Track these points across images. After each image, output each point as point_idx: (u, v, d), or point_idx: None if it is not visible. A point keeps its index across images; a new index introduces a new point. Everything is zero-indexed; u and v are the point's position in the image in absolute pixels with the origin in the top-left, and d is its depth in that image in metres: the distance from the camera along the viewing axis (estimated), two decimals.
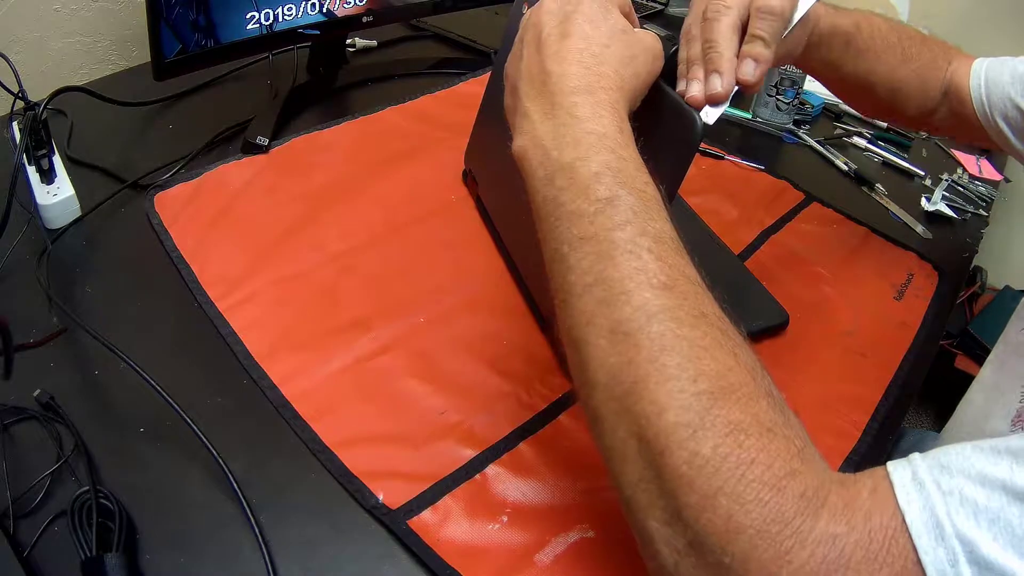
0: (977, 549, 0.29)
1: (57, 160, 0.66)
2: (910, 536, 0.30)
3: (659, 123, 0.47)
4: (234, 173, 0.73)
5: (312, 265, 0.63)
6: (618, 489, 0.35)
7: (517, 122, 0.41)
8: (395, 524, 0.45)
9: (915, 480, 0.31)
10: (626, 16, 0.46)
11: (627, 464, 0.34)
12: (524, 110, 0.41)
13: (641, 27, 0.47)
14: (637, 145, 0.40)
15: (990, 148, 0.74)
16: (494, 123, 0.64)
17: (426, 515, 0.46)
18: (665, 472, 0.32)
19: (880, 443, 0.57)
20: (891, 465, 0.32)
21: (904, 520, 0.30)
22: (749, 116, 1.00)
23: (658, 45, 0.45)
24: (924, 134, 1.04)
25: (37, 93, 0.65)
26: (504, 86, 0.45)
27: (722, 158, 0.89)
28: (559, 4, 0.43)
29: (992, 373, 0.63)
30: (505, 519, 0.46)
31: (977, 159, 1.00)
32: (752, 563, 0.30)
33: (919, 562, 0.29)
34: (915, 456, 0.33)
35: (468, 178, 0.74)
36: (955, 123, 0.67)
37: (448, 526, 0.46)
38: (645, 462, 0.33)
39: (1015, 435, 0.31)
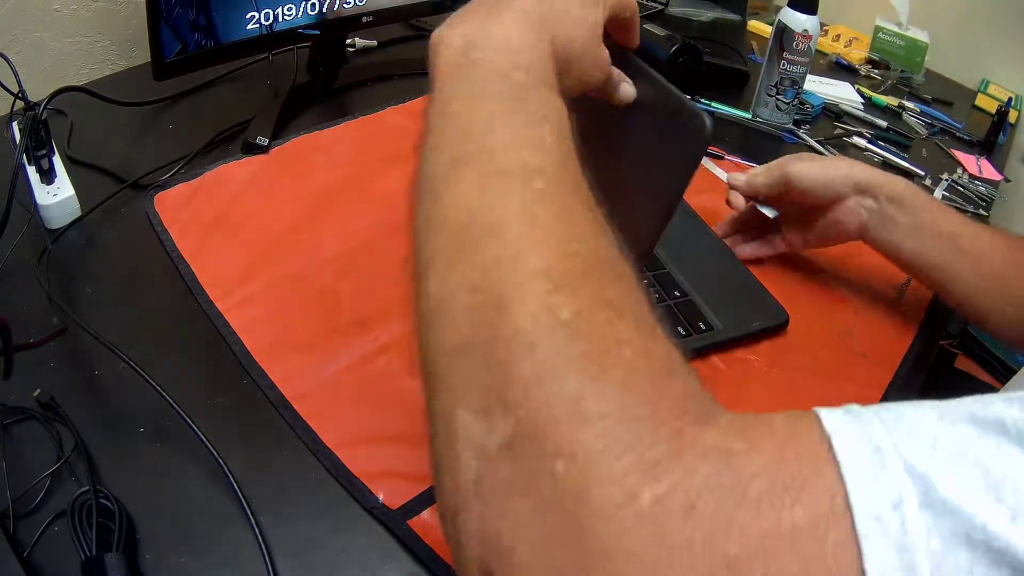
0: (933, 487, 0.20)
1: (57, 160, 0.66)
2: (837, 464, 0.20)
3: (662, 125, 0.46)
4: (234, 173, 0.73)
5: (312, 265, 0.63)
6: (424, 362, 0.26)
7: (455, 19, 0.36)
8: (395, 524, 0.45)
9: (847, 411, 0.23)
10: None
11: (449, 324, 0.25)
12: (469, 10, 0.36)
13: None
14: (641, 146, 0.40)
15: None
16: None
17: (426, 515, 0.46)
18: (502, 330, 0.23)
19: None
20: (817, 408, 0.23)
21: (831, 445, 0.21)
22: (749, 116, 1.00)
23: (607, 65, 0.41)
24: (924, 133, 1.04)
25: (37, 93, 0.65)
26: None
27: (722, 158, 0.89)
28: None
29: None
30: None
31: (977, 159, 1.00)
32: (597, 470, 0.20)
33: (846, 499, 0.20)
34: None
35: None
36: None
37: None
38: (477, 319, 0.24)
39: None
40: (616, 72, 0.44)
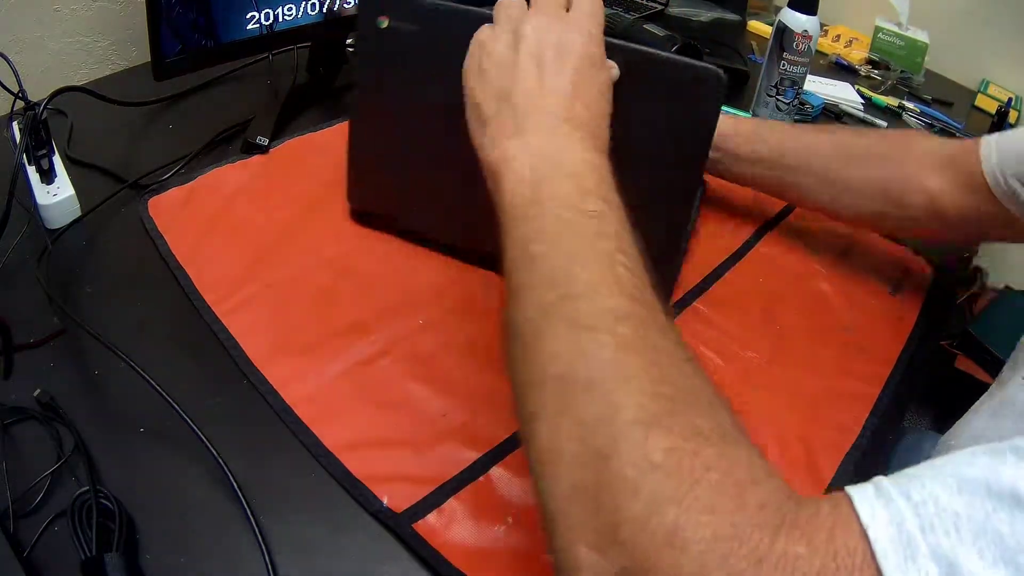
0: (957, 569, 0.23)
1: (57, 160, 0.66)
2: (874, 558, 0.24)
3: (670, 94, 0.50)
4: (229, 176, 0.73)
5: (309, 268, 0.63)
6: (542, 507, 0.30)
7: (501, 130, 0.41)
8: (401, 528, 0.45)
9: (879, 493, 0.26)
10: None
11: (561, 474, 0.29)
12: (519, 124, 0.41)
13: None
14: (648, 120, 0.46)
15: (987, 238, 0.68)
16: (403, 151, 0.63)
17: (431, 518, 0.46)
18: (607, 478, 0.28)
19: (880, 440, 0.57)
20: (851, 487, 0.27)
21: (868, 538, 0.25)
22: (749, 116, 1.00)
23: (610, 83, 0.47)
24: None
25: (37, 93, 0.64)
26: (471, 85, 0.45)
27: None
28: (560, 27, 0.44)
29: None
30: (511, 520, 0.46)
31: None
32: None
33: None
34: (877, 477, 0.28)
35: (369, 220, 0.68)
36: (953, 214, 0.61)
37: (454, 529, 0.46)
38: (585, 468, 0.28)
39: (1007, 441, 0.27)
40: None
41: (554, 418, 0.30)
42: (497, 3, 0.47)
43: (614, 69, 0.48)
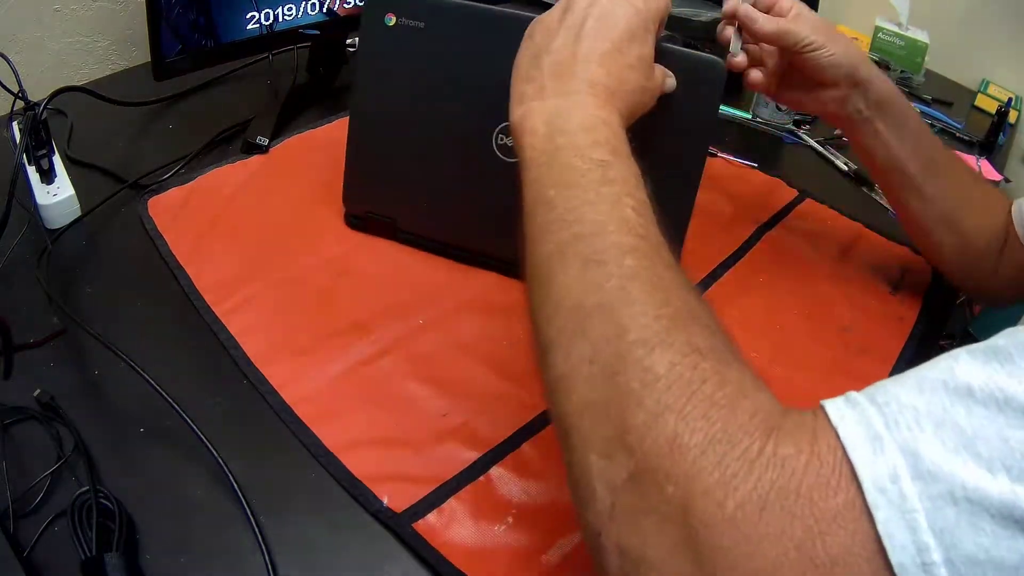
0: (920, 459, 0.25)
1: (57, 160, 0.66)
2: (847, 453, 0.27)
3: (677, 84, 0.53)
4: (229, 176, 0.73)
5: (309, 268, 0.63)
6: (556, 422, 0.34)
7: (529, 90, 0.44)
8: (401, 527, 0.45)
9: (847, 400, 0.29)
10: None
11: (574, 391, 0.32)
12: (542, 84, 0.43)
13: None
14: (651, 111, 0.47)
15: None
16: (407, 155, 0.63)
17: (431, 518, 0.46)
18: (614, 393, 0.31)
19: None
20: (825, 400, 0.30)
21: (840, 437, 0.27)
22: (749, 116, 1.00)
23: (659, 88, 0.49)
24: None
25: (37, 93, 0.64)
26: (523, 45, 0.47)
27: (715, 155, 0.89)
28: (611, 3, 0.46)
29: None
30: (511, 520, 0.46)
31: (977, 159, 1.00)
32: (696, 488, 0.27)
33: (856, 478, 0.26)
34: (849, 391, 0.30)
35: (364, 223, 0.67)
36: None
37: (454, 528, 0.46)
38: (594, 385, 0.31)
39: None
40: (659, 73, 0.50)
41: (567, 344, 0.33)
42: None
43: (670, 79, 0.51)
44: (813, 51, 0.58)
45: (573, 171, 0.38)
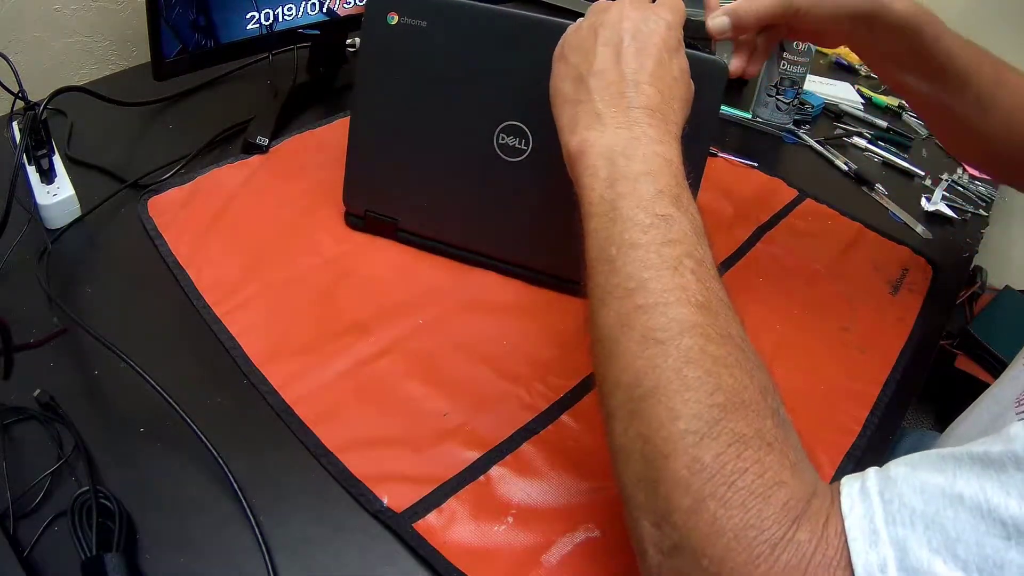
0: (908, 554, 0.29)
1: (57, 160, 0.66)
2: (847, 543, 0.31)
3: None
4: (228, 176, 0.73)
5: (309, 268, 0.63)
6: (619, 486, 0.37)
7: (582, 116, 0.44)
8: (401, 527, 0.45)
9: (862, 490, 0.32)
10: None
11: (631, 463, 0.36)
12: (596, 110, 0.44)
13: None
14: None
15: None
16: (399, 151, 0.63)
17: (431, 518, 0.46)
18: (665, 475, 0.34)
19: (880, 440, 0.57)
20: (846, 478, 0.34)
21: (845, 527, 0.31)
22: (749, 116, 1.00)
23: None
24: (924, 134, 1.04)
25: (37, 93, 0.64)
26: (554, 69, 0.48)
27: (715, 155, 0.89)
28: (639, 15, 0.46)
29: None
30: (511, 520, 0.46)
31: None
32: (726, 567, 0.31)
33: (850, 566, 0.30)
34: (870, 470, 0.34)
35: (364, 223, 0.67)
36: None
37: (454, 528, 0.46)
38: (648, 463, 0.34)
39: (970, 444, 0.32)
40: None
41: (626, 420, 0.36)
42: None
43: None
44: (805, 13, 0.54)
45: (636, 227, 0.39)
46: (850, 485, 0.33)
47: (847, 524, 0.31)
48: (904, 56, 0.57)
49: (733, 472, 0.32)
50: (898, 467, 0.33)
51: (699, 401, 0.34)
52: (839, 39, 0.58)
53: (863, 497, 0.32)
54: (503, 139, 0.60)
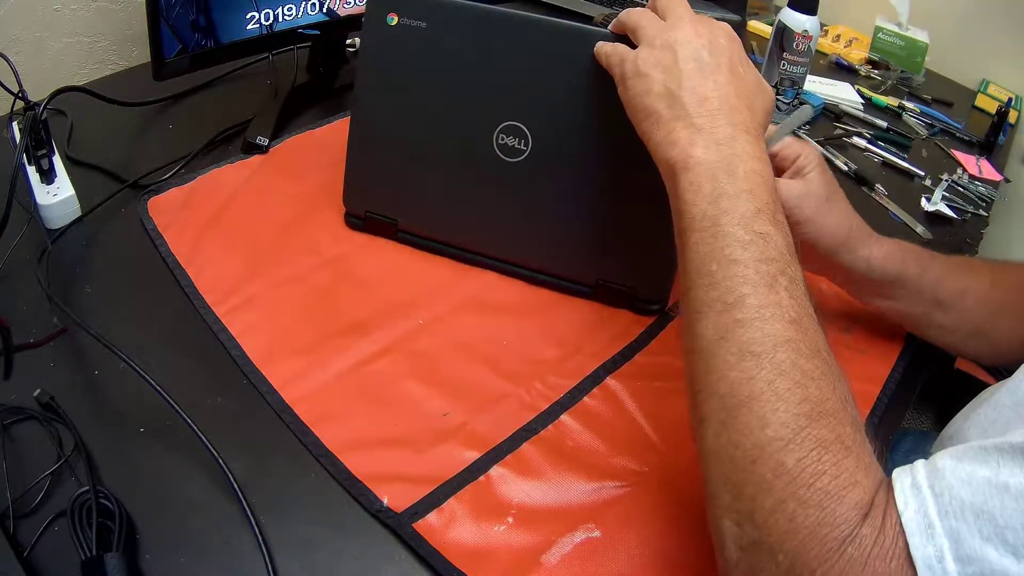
0: (962, 544, 0.31)
1: (57, 160, 0.66)
2: (904, 535, 0.33)
3: None
4: (228, 176, 0.73)
5: (309, 268, 0.63)
6: (705, 485, 0.39)
7: (681, 132, 0.45)
8: (401, 527, 0.45)
9: (913, 486, 0.35)
10: None
11: (720, 466, 0.38)
12: (696, 125, 0.45)
13: None
14: None
15: None
16: (401, 152, 0.63)
17: (431, 518, 0.46)
18: (752, 477, 0.36)
19: (881, 439, 0.57)
20: (896, 471, 0.36)
21: (902, 521, 0.33)
22: None
23: None
24: (924, 134, 1.04)
25: (37, 93, 0.65)
26: (630, 85, 0.48)
27: None
28: (708, 31, 0.48)
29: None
30: (511, 520, 0.46)
31: (977, 159, 1.00)
32: (799, 561, 0.34)
33: (910, 558, 0.32)
34: (918, 462, 0.36)
35: (364, 223, 0.67)
36: None
37: (454, 528, 0.46)
38: (736, 466, 0.37)
39: (1010, 433, 0.34)
40: None
41: (717, 425, 0.39)
42: (631, 20, 0.51)
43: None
44: (805, 221, 0.55)
45: (736, 244, 0.41)
46: (902, 480, 0.35)
47: (904, 519, 0.33)
48: (887, 291, 0.60)
49: (812, 475, 0.35)
50: (944, 459, 0.35)
51: (787, 411, 0.36)
52: (816, 263, 0.59)
53: (915, 492, 0.34)
54: (503, 139, 0.60)
